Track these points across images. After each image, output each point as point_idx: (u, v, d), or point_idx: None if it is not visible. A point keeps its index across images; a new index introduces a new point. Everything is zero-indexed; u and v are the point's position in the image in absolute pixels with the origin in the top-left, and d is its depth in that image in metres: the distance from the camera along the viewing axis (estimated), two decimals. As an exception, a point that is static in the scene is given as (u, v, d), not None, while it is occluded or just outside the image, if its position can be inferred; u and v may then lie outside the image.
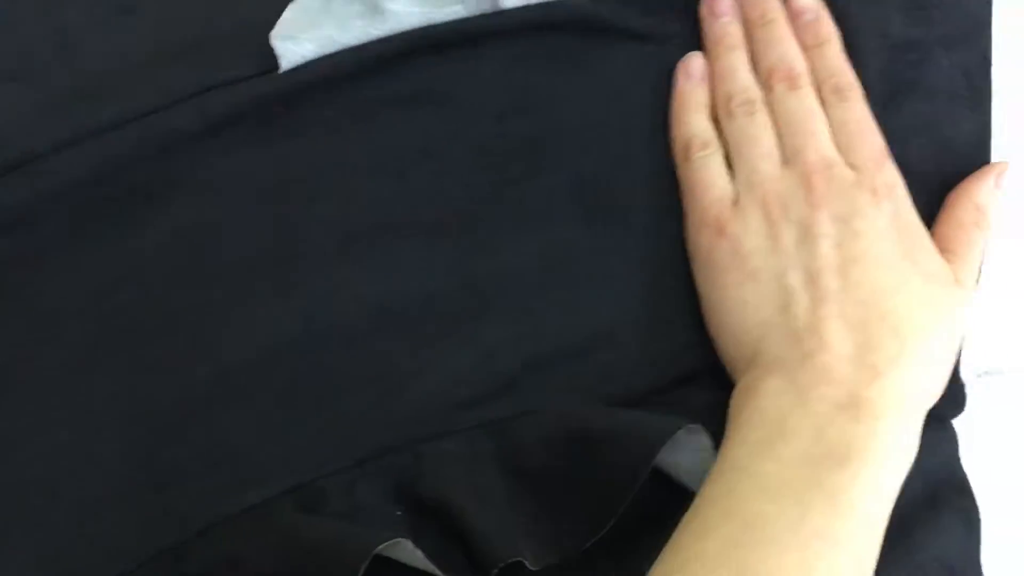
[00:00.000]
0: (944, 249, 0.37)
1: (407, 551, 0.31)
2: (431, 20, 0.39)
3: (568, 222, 0.39)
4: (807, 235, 0.35)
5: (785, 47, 0.39)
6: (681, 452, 0.34)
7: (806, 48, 0.39)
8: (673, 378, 0.38)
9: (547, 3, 0.39)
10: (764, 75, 0.38)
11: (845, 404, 0.33)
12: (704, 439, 0.34)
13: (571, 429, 0.34)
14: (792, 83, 0.38)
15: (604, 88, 0.40)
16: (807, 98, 0.38)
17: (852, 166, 0.36)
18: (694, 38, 0.40)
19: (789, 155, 0.37)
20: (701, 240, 0.37)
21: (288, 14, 0.39)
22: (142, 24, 0.39)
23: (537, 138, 0.39)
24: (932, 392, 0.35)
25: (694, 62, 0.39)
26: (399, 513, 0.34)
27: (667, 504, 0.33)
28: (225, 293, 0.37)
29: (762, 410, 0.33)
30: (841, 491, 0.31)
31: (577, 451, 0.34)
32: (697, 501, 0.32)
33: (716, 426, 0.34)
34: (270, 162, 0.38)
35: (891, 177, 0.37)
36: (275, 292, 0.37)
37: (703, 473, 0.33)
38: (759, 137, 0.37)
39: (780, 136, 0.37)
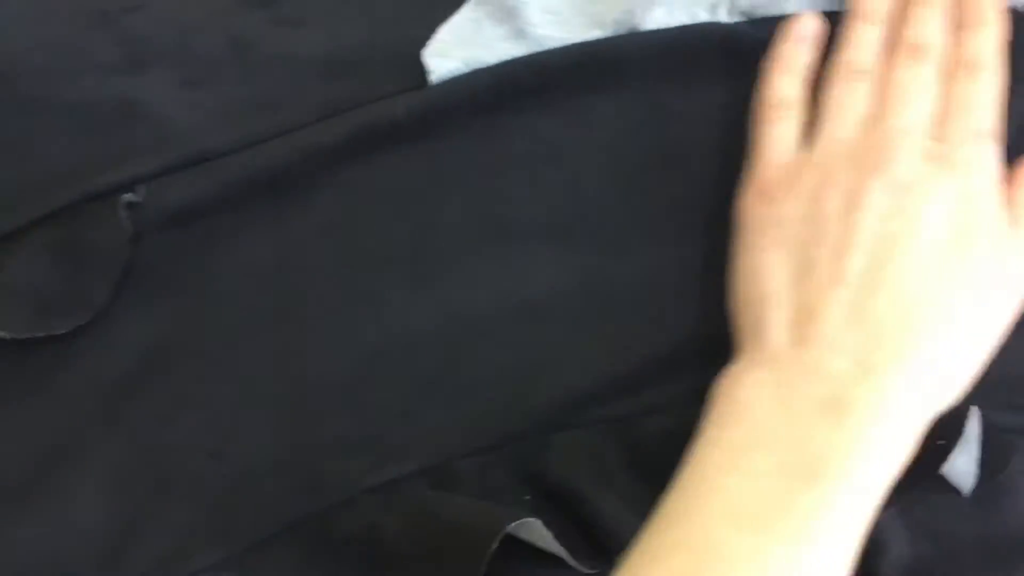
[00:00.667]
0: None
1: (537, 531, 0.33)
2: (570, 43, 0.42)
3: (693, 234, 0.40)
4: (852, 204, 0.33)
5: (929, 27, 0.36)
6: None
7: (960, 28, 0.37)
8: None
9: (685, 25, 0.41)
10: (894, 50, 0.36)
11: (830, 404, 0.30)
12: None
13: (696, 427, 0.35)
14: (915, 56, 0.36)
15: (736, 107, 0.41)
16: (924, 72, 0.35)
17: (939, 139, 0.34)
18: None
19: (873, 123, 0.35)
20: (746, 204, 0.36)
21: (441, 34, 0.42)
22: (310, 38, 0.42)
23: (668, 153, 0.41)
24: (942, 398, 0.32)
25: (803, 24, 0.38)
26: (527, 498, 0.36)
27: None
28: (370, 283, 0.39)
29: (741, 405, 0.31)
30: (812, 515, 0.29)
31: None
32: (655, 517, 0.31)
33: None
34: (412, 166, 0.40)
35: (976, 154, 0.34)
36: (417, 284, 0.39)
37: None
38: (849, 105, 0.36)
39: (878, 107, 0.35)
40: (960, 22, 0.37)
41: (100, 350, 0.38)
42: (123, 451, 0.38)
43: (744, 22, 0.42)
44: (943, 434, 0.34)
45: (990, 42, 0.36)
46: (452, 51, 0.42)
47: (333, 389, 0.38)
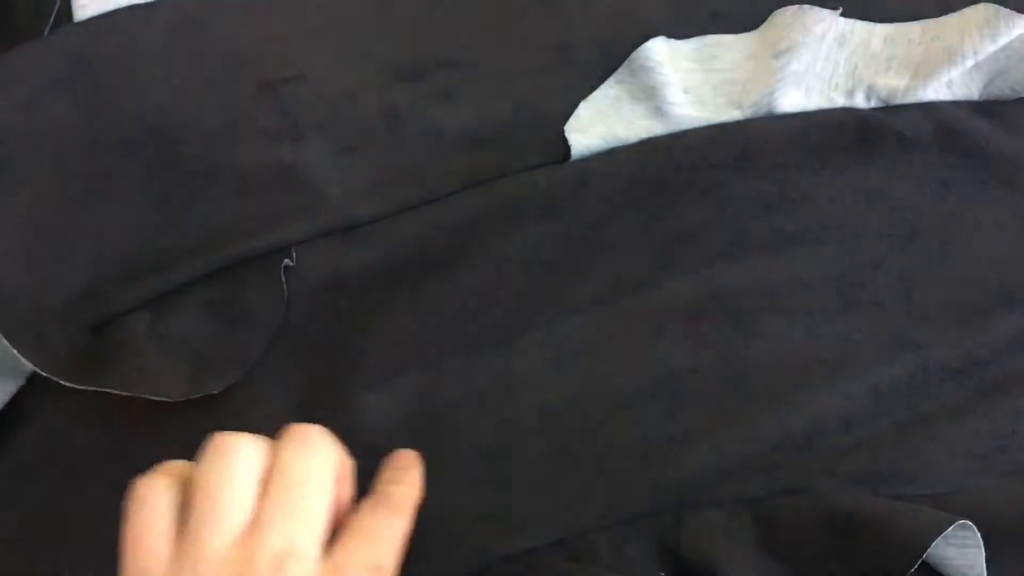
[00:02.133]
0: None
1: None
2: (708, 123, 0.42)
3: (826, 311, 0.40)
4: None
5: None
6: (950, 547, 0.34)
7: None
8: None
9: (822, 109, 0.42)
10: None
11: None
12: (974, 535, 0.34)
13: (835, 512, 0.35)
14: None
15: (863, 188, 0.42)
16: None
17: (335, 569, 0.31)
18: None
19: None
20: None
21: (581, 110, 0.43)
22: (457, 111, 0.43)
23: (799, 231, 0.41)
24: None
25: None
26: (662, 574, 0.36)
27: None
28: (507, 353, 0.40)
29: None
30: None
31: (843, 535, 0.34)
32: None
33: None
34: (552, 237, 0.41)
35: None
36: (556, 355, 0.40)
37: (971, 569, 0.33)
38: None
39: None
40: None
41: (247, 410, 0.40)
42: None
43: (879, 108, 0.42)
44: None
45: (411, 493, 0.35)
46: (592, 127, 0.42)
47: (472, 457, 0.39)
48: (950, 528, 0.33)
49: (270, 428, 0.40)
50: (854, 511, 0.35)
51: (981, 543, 0.34)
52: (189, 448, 0.39)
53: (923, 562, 0.35)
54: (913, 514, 0.34)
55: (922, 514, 0.34)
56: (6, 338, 0.36)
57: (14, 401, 0.39)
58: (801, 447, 0.38)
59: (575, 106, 0.43)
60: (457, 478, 0.39)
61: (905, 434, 0.38)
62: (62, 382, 0.37)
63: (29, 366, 0.39)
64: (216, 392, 0.39)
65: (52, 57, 0.44)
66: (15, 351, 0.36)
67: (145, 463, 0.39)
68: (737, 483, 0.38)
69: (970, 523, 0.33)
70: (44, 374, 0.37)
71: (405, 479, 0.35)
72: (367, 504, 0.33)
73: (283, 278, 0.39)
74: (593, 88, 0.43)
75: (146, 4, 0.45)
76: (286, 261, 0.39)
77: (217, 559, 0.29)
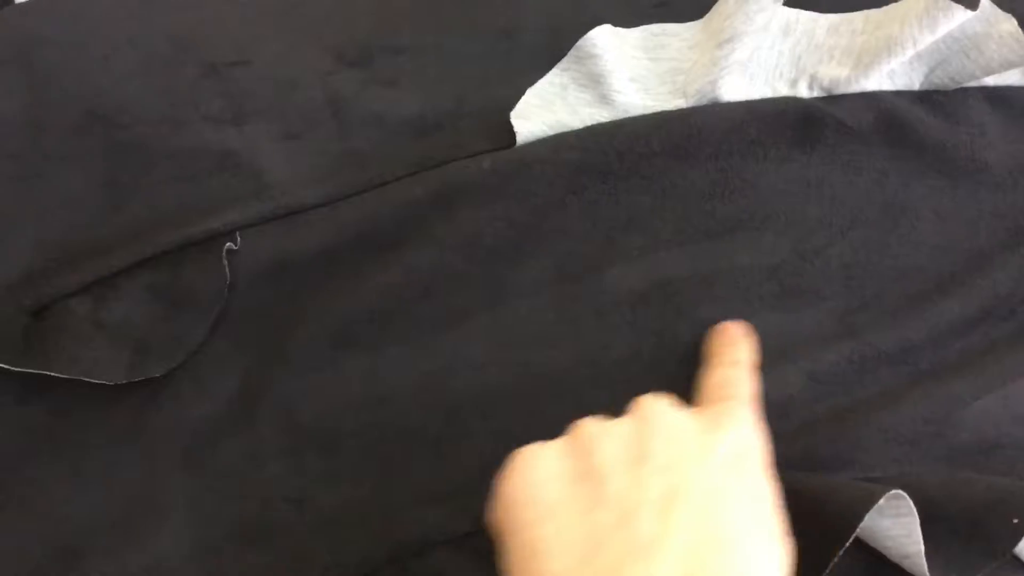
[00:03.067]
0: None
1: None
2: (653, 111, 0.42)
3: (765, 299, 0.41)
4: (633, 459, 0.30)
5: None
6: (885, 519, 0.35)
7: None
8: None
9: (766, 98, 0.42)
10: None
11: None
12: (907, 504, 0.34)
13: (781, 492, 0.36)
14: None
15: (804, 178, 0.42)
16: None
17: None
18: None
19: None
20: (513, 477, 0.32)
21: (527, 97, 0.42)
22: (402, 97, 0.43)
23: (740, 219, 0.41)
24: None
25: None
26: None
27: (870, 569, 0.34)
28: (449, 336, 0.40)
29: None
30: None
31: (782, 513, 0.35)
32: None
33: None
34: (496, 222, 0.41)
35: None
36: (496, 338, 0.40)
37: (908, 537, 0.34)
38: None
39: None
40: None
41: (189, 393, 0.39)
42: (206, 495, 0.38)
43: (822, 98, 0.43)
44: (1018, 513, 0.34)
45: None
46: (537, 114, 0.42)
47: (415, 440, 0.39)
48: (883, 499, 0.33)
49: (212, 411, 0.40)
50: (791, 489, 0.35)
51: (915, 511, 0.34)
52: (132, 430, 0.39)
53: (860, 539, 0.36)
54: (847, 488, 0.35)
55: (856, 487, 0.35)
56: (-57, 320, 0.36)
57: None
58: None
59: (521, 93, 0.42)
60: (400, 462, 0.39)
61: (841, 419, 0.39)
62: (3, 365, 0.37)
63: (-32, 349, 0.38)
64: (158, 375, 0.39)
65: (-8, 39, 0.43)
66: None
67: (86, 446, 0.39)
68: None
69: (903, 493, 0.34)
70: (-17, 357, 0.37)
71: (740, 344, 0.38)
72: (716, 366, 0.37)
73: (225, 261, 0.39)
74: (540, 75, 0.43)
75: (91, -13, 0.45)
76: (228, 244, 0.39)
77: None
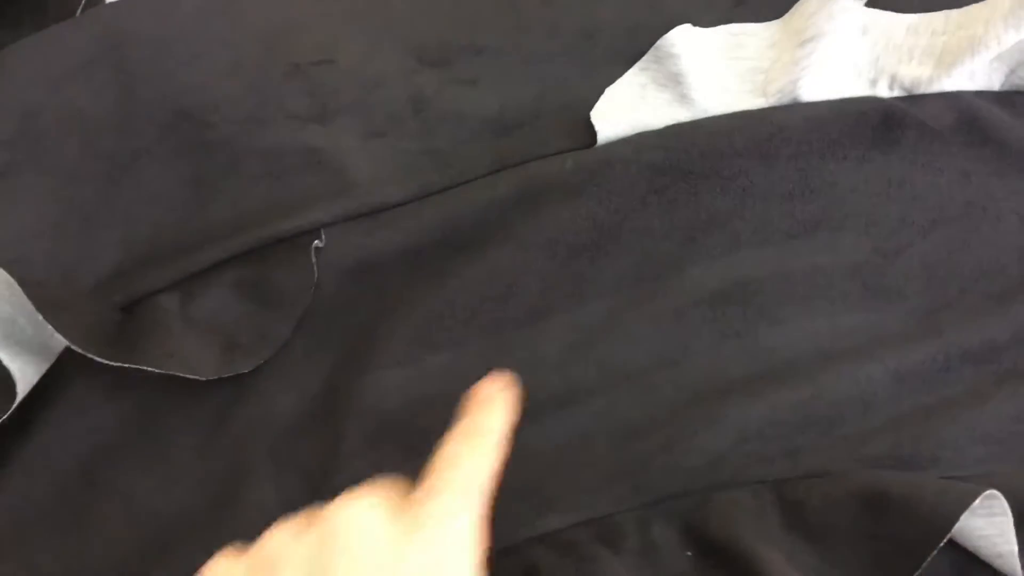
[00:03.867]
0: None
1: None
2: (733, 110, 0.42)
3: (848, 299, 0.40)
4: None
5: None
6: (978, 518, 0.34)
7: None
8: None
9: (845, 98, 0.42)
10: None
11: None
12: (1000, 504, 0.34)
13: (862, 491, 0.35)
14: None
15: (885, 177, 0.42)
16: None
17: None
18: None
19: None
20: None
21: (607, 97, 0.42)
22: (483, 97, 0.43)
23: (821, 219, 0.41)
24: None
25: None
26: (688, 554, 0.36)
27: (959, 568, 0.34)
28: (530, 334, 0.40)
29: None
30: None
31: (869, 512, 0.34)
32: None
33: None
34: (577, 220, 0.41)
35: None
36: (577, 336, 0.39)
37: (1000, 536, 0.33)
38: None
39: None
40: None
41: (275, 390, 0.39)
42: (293, 490, 0.38)
43: (902, 97, 0.42)
44: None
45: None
46: (617, 113, 0.42)
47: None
48: (978, 499, 0.33)
49: (297, 407, 0.40)
50: (881, 489, 0.35)
51: (1008, 511, 0.34)
52: (220, 425, 0.39)
53: (951, 539, 0.35)
54: (940, 487, 0.34)
55: (949, 487, 0.34)
56: (41, 316, 0.36)
57: (44, 379, 0.39)
58: (824, 431, 0.38)
59: (601, 92, 0.42)
60: None
61: (926, 418, 0.38)
62: (96, 359, 0.37)
63: (61, 343, 0.38)
64: (246, 371, 0.39)
65: (84, 37, 0.43)
66: (51, 327, 0.36)
67: (175, 440, 0.39)
68: (761, 465, 0.38)
69: (997, 492, 0.33)
70: (78, 350, 0.37)
71: (491, 407, 0.33)
72: (453, 434, 0.32)
73: (312, 259, 0.39)
74: (619, 74, 0.43)
75: (176, -14, 0.45)
76: (315, 243, 0.39)
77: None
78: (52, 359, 0.39)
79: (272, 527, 0.29)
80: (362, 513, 0.29)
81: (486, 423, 0.32)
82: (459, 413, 0.33)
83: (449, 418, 0.39)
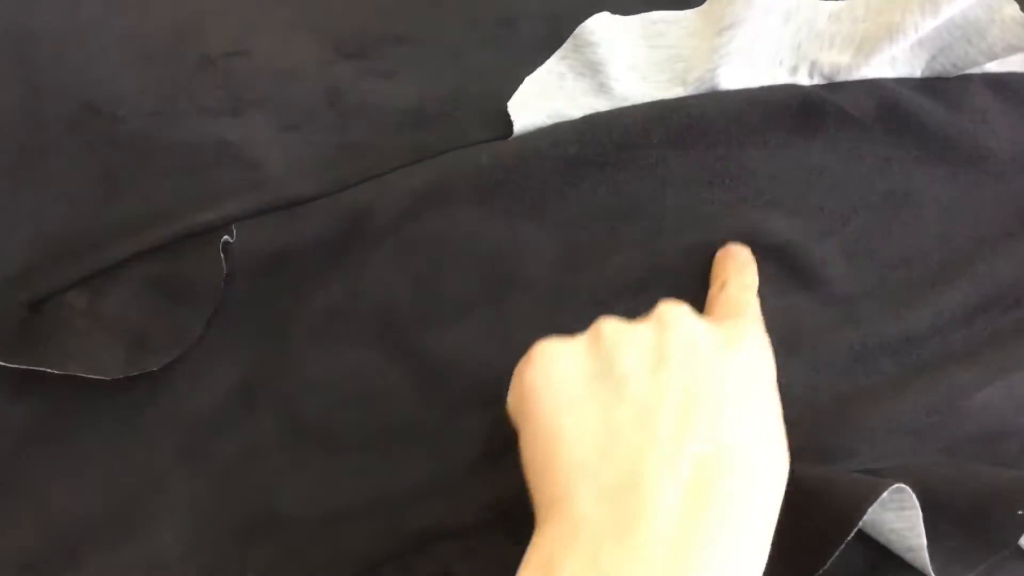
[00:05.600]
0: None
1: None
2: (652, 99, 0.41)
3: (767, 286, 0.39)
4: (655, 361, 0.30)
5: None
6: (888, 512, 0.34)
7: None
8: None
9: (765, 86, 0.41)
10: None
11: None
12: (911, 498, 0.33)
13: None
14: None
15: (805, 165, 0.40)
16: None
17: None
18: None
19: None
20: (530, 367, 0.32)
21: (525, 86, 0.41)
22: (399, 89, 0.42)
23: (740, 204, 0.40)
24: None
25: None
26: None
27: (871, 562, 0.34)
28: (448, 328, 0.39)
29: None
30: None
31: (785, 504, 0.34)
32: None
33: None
34: (493, 213, 0.40)
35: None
36: (493, 331, 0.39)
37: (911, 531, 0.33)
38: None
39: None
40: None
41: (187, 388, 0.38)
42: (205, 491, 0.37)
43: (822, 85, 0.41)
44: (1022, 504, 0.33)
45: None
46: (535, 103, 0.41)
47: (417, 434, 0.38)
48: (886, 492, 0.32)
49: (211, 405, 0.39)
50: (792, 481, 0.34)
51: (918, 505, 0.33)
52: (130, 426, 0.38)
53: (862, 532, 0.35)
54: (850, 481, 0.33)
55: (859, 481, 0.33)
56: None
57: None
58: None
59: (519, 82, 0.41)
60: (401, 456, 0.38)
61: (843, 409, 0.38)
62: None
63: (-36, 344, 0.37)
64: (155, 369, 0.38)
65: (-12, 31, 0.42)
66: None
67: (84, 440, 0.38)
68: None
69: (906, 487, 0.32)
70: (-21, 352, 0.35)
71: (749, 270, 0.38)
72: (727, 286, 0.36)
73: (222, 254, 0.38)
74: (538, 64, 0.42)
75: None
76: (225, 237, 0.38)
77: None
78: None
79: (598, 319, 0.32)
80: (687, 315, 0.32)
81: (748, 279, 0.37)
82: (722, 268, 0.38)
83: (368, 414, 0.38)
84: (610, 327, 0.32)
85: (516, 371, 0.33)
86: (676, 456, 0.28)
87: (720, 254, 0.39)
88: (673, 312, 0.33)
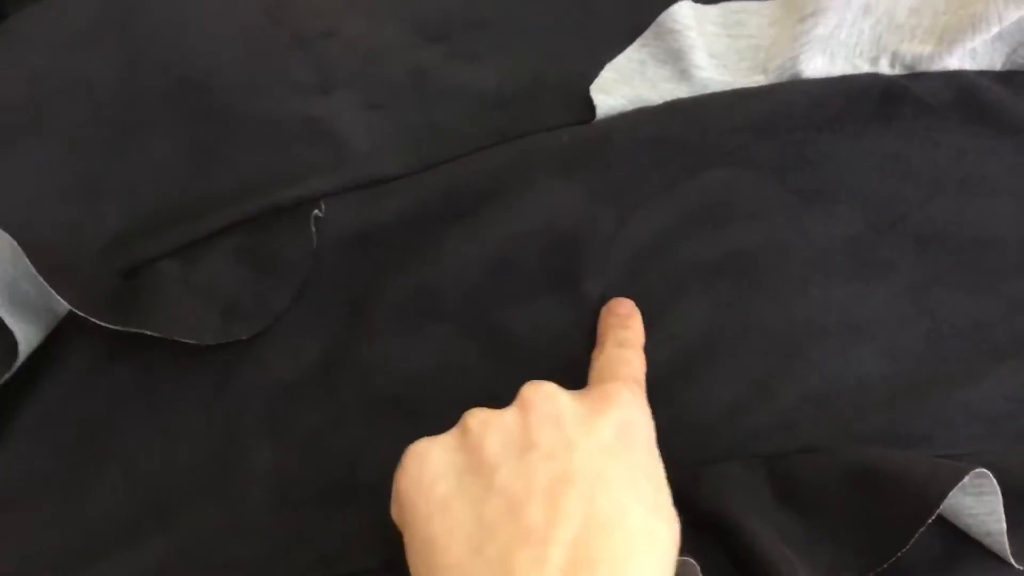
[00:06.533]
0: None
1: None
2: (733, 87, 0.41)
3: (842, 272, 0.39)
4: (513, 446, 0.30)
5: None
6: (968, 496, 0.34)
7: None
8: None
9: (846, 75, 0.41)
10: None
11: None
12: (991, 483, 0.33)
13: (854, 466, 0.34)
14: None
15: (880, 151, 0.40)
16: None
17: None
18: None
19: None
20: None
21: (607, 72, 0.41)
22: (482, 72, 0.42)
23: (816, 193, 0.40)
24: None
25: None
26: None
27: (949, 546, 0.33)
28: (523, 307, 0.39)
29: None
30: None
31: (861, 488, 0.34)
32: None
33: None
34: (572, 195, 0.40)
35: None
36: (561, 308, 0.39)
37: (990, 515, 0.33)
38: None
39: None
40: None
41: (272, 357, 0.39)
42: (289, 457, 0.38)
43: (904, 75, 0.41)
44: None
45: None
46: (617, 88, 0.41)
47: (489, 406, 0.38)
48: (968, 477, 0.32)
49: (295, 375, 0.39)
50: (872, 465, 0.34)
51: (998, 490, 0.33)
52: (218, 392, 0.39)
53: (941, 516, 0.35)
54: (931, 465, 0.33)
55: (940, 465, 0.33)
56: (44, 279, 0.36)
57: (46, 342, 0.39)
58: (817, 406, 0.37)
59: (601, 67, 0.41)
60: None
61: (920, 395, 0.37)
62: (98, 322, 0.37)
63: (63, 307, 0.38)
64: (244, 338, 0.38)
65: (92, 4, 0.43)
66: (53, 291, 0.36)
67: (174, 404, 0.39)
68: (754, 439, 0.37)
69: (986, 471, 0.32)
70: (81, 314, 0.36)
71: (629, 324, 0.37)
72: (604, 346, 0.35)
73: (312, 228, 0.39)
74: (619, 50, 0.42)
75: (183, -44, 0.44)
76: (315, 211, 0.39)
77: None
78: (55, 323, 0.39)
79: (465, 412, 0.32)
80: (556, 394, 0.32)
81: (626, 334, 0.36)
82: (603, 327, 0.37)
83: (447, 387, 0.39)
84: (475, 418, 0.32)
85: (394, 479, 0.32)
86: (547, 545, 0.27)
87: (602, 311, 0.38)
88: (536, 392, 0.32)
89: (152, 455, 0.38)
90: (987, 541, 0.35)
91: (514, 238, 0.40)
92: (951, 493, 0.32)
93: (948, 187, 0.40)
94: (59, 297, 0.36)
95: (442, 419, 0.38)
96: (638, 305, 0.39)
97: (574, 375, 0.37)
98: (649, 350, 0.38)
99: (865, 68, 0.41)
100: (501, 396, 0.38)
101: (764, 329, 0.38)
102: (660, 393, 0.37)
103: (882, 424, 0.37)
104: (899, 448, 0.37)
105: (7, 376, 0.37)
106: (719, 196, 0.40)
